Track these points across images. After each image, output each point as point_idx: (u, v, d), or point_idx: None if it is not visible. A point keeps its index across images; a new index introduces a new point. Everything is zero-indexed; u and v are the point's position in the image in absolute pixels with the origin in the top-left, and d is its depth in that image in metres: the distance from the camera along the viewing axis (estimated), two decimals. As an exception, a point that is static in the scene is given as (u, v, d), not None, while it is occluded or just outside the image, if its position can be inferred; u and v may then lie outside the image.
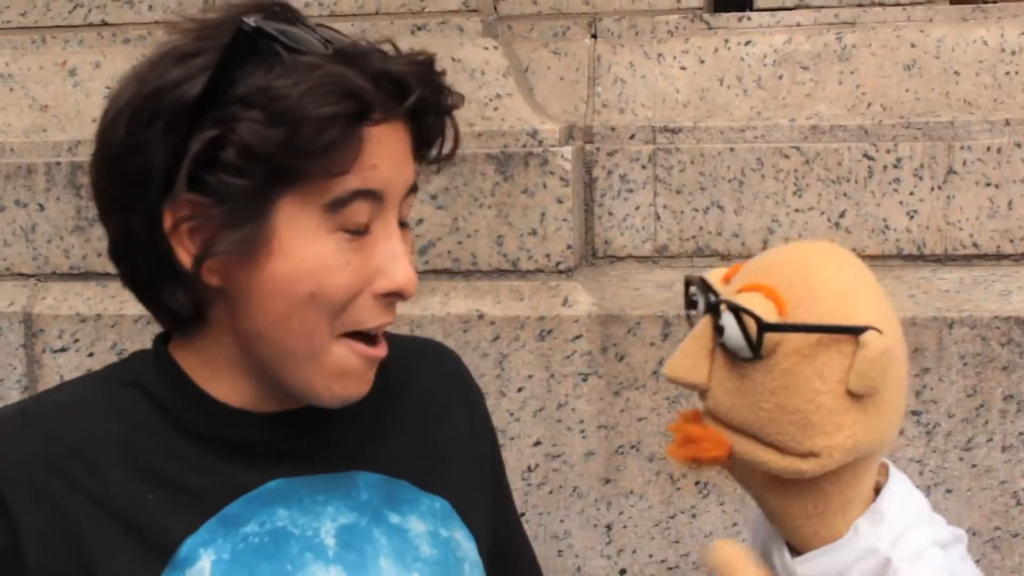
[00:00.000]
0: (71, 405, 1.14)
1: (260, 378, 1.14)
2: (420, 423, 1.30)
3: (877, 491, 1.15)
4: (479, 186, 1.77)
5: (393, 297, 1.09)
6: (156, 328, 1.77)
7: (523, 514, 1.77)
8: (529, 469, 1.76)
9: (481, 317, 1.76)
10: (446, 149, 1.19)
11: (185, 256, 1.08)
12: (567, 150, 1.76)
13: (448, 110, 1.17)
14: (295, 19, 1.10)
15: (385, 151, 1.09)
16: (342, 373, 1.10)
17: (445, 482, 1.27)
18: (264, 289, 1.07)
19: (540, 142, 1.77)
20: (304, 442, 1.18)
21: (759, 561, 1.10)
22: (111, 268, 1.90)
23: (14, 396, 1.80)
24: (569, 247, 1.80)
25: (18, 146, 1.89)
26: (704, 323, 1.09)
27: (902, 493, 1.16)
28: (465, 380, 1.40)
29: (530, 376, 1.74)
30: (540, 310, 1.75)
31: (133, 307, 1.77)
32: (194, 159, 1.03)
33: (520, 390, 1.74)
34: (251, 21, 1.04)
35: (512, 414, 1.75)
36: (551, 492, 1.76)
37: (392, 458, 1.23)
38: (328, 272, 1.06)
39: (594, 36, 2.02)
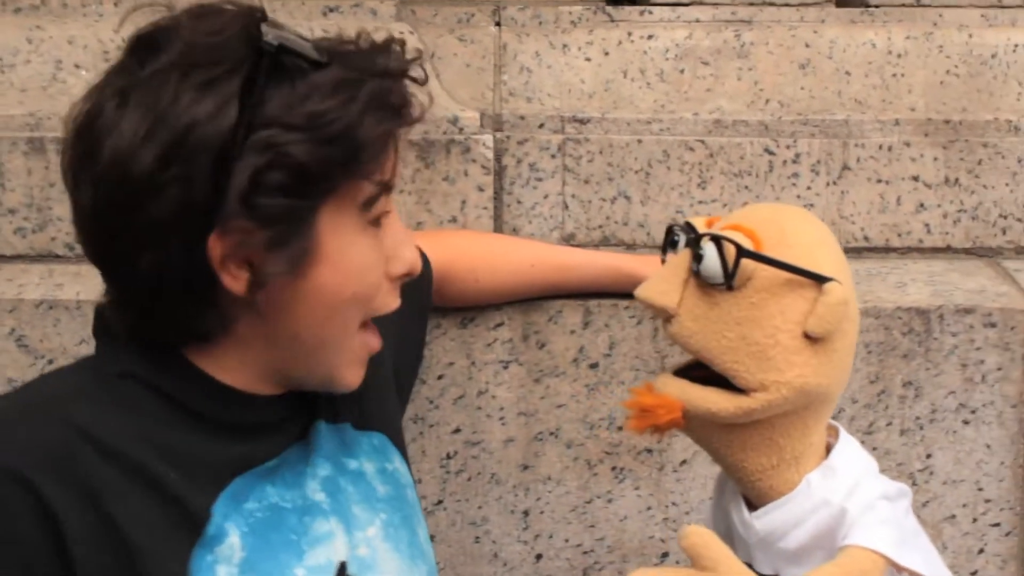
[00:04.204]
0: (75, 394, 1.12)
1: (269, 365, 1.15)
2: None
3: (828, 451, 1.27)
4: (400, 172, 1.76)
5: (405, 278, 1.13)
6: (58, 314, 1.71)
7: (440, 501, 1.77)
8: (448, 456, 1.76)
9: (401, 304, 1.74)
10: None
11: (233, 282, 1.06)
12: (488, 138, 1.77)
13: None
14: (276, 21, 1.10)
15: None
16: (357, 360, 1.14)
17: (375, 415, 1.33)
18: (307, 297, 1.08)
19: (461, 129, 1.77)
20: (296, 418, 1.21)
21: (725, 544, 1.17)
22: (7, 251, 1.81)
23: None
24: (488, 235, 1.80)
25: None
26: (682, 255, 1.19)
27: (852, 451, 1.28)
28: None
29: (451, 364, 1.74)
30: (461, 298, 1.75)
31: (33, 292, 1.70)
32: (243, 186, 1.01)
33: (440, 377, 1.74)
34: (271, 38, 1.02)
35: (432, 401, 1.75)
36: (469, 479, 1.77)
37: (332, 404, 1.27)
38: (368, 271, 1.10)
39: (498, 24, 2.03)
